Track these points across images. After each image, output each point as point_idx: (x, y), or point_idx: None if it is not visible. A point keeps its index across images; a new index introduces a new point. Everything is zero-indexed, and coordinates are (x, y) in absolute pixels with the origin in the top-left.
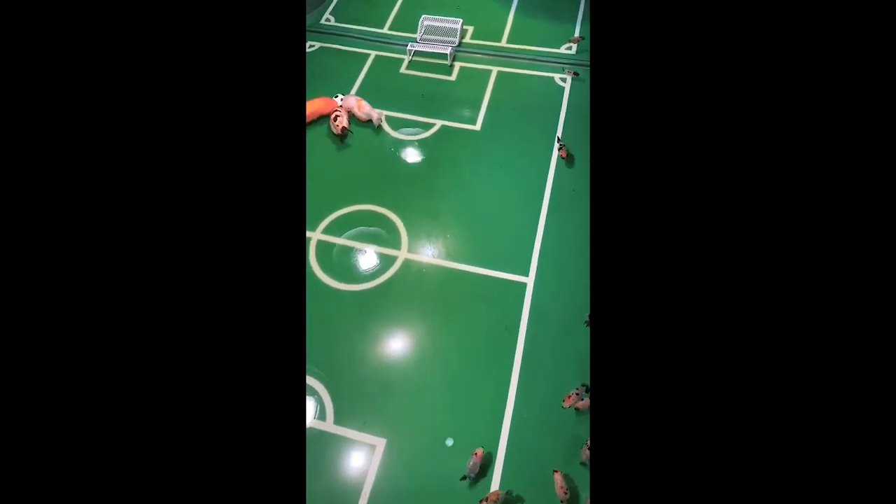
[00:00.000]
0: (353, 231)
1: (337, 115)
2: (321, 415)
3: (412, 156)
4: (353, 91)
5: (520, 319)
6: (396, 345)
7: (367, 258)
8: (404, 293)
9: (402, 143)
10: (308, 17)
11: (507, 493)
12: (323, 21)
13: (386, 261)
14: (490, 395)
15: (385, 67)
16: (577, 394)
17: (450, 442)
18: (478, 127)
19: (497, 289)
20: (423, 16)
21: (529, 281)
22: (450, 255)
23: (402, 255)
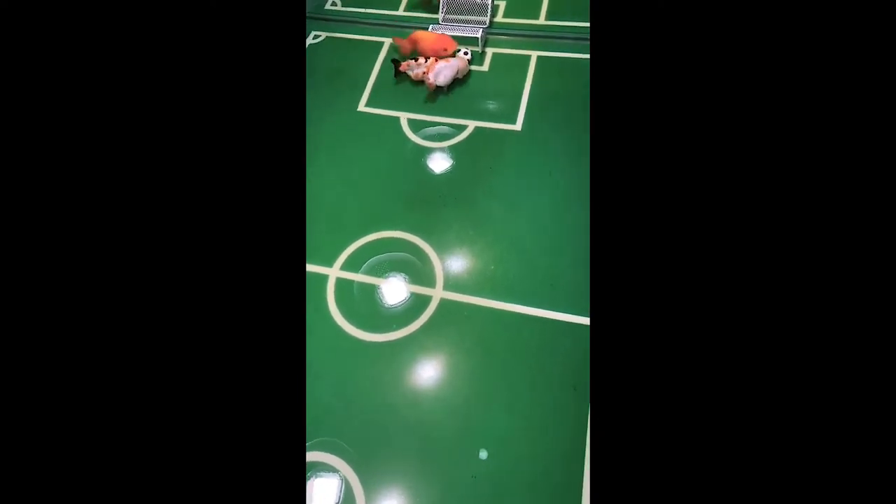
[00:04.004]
0: (375, 262)
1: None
2: (348, 502)
3: (442, 166)
4: (367, 91)
5: (589, 374)
6: (438, 414)
7: (395, 291)
8: (443, 343)
9: (429, 151)
10: (310, 2)
11: None
12: (328, 6)
13: (419, 302)
14: (561, 479)
15: (402, 57)
16: None
17: None
18: (518, 126)
19: (559, 334)
20: None
21: None
22: (496, 293)
23: (438, 293)
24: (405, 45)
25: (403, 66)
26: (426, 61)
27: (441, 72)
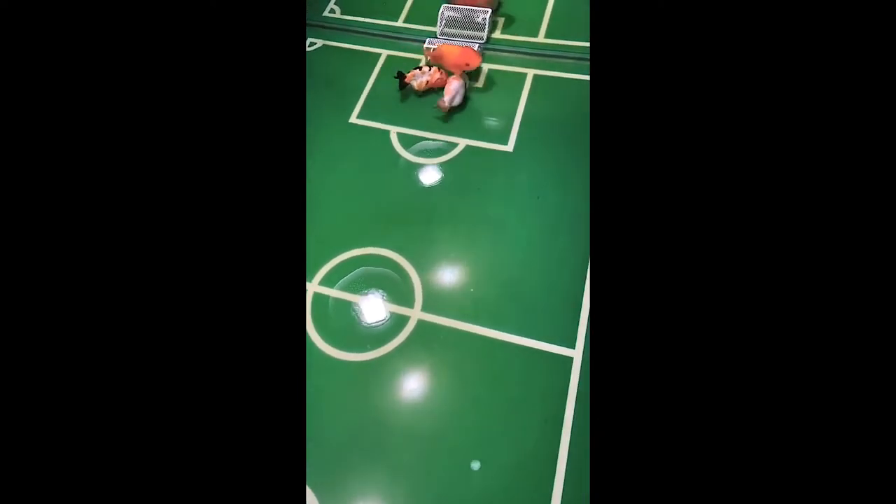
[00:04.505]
0: (354, 278)
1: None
2: None
3: (429, 184)
4: (360, 102)
5: (564, 407)
6: (404, 441)
7: (373, 309)
8: (417, 366)
9: (417, 168)
10: (308, 8)
11: None
12: (326, 13)
13: (396, 322)
14: None
15: (397, 71)
16: None
17: None
18: (509, 147)
19: (536, 364)
20: (444, 5)
21: (577, 354)
22: (476, 317)
23: (416, 314)
24: (434, 60)
25: (409, 76)
26: (430, 70)
27: (457, 93)
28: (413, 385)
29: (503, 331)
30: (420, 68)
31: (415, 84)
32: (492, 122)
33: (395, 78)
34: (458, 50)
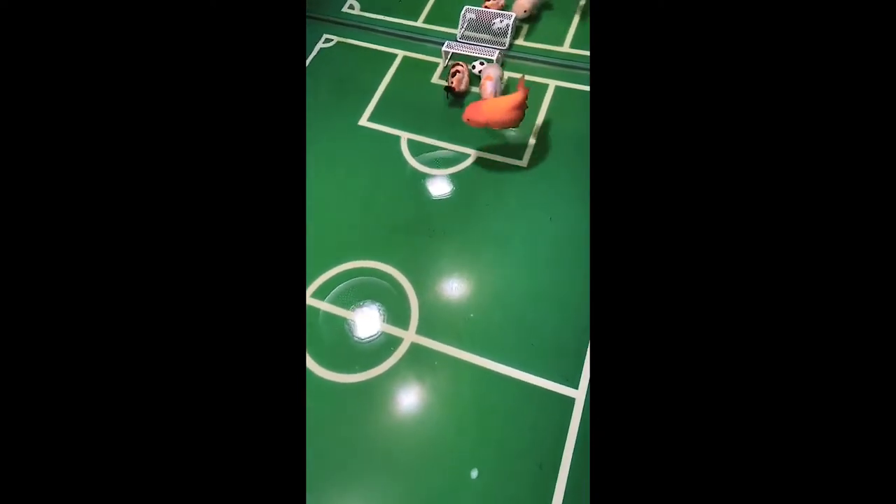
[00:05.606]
0: (347, 294)
1: (457, 72)
2: None
3: (436, 196)
4: (372, 104)
5: (561, 453)
6: (384, 477)
7: (364, 328)
8: (406, 394)
9: (425, 177)
10: (326, 3)
11: None
12: (345, 9)
13: (387, 343)
14: None
15: (413, 73)
16: None
17: None
18: (524, 162)
19: (535, 402)
20: (467, 7)
21: (579, 395)
22: (472, 345)
23: (410, 336)
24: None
25: (455, 83)
26: (462, 67)
27: (494, 91)
28: (398, 415)
29: (502, 363)
30: (457, 72)
31: (462, 88)
32: (507, 134)
33: (446, 91)
34: (505, 107)
